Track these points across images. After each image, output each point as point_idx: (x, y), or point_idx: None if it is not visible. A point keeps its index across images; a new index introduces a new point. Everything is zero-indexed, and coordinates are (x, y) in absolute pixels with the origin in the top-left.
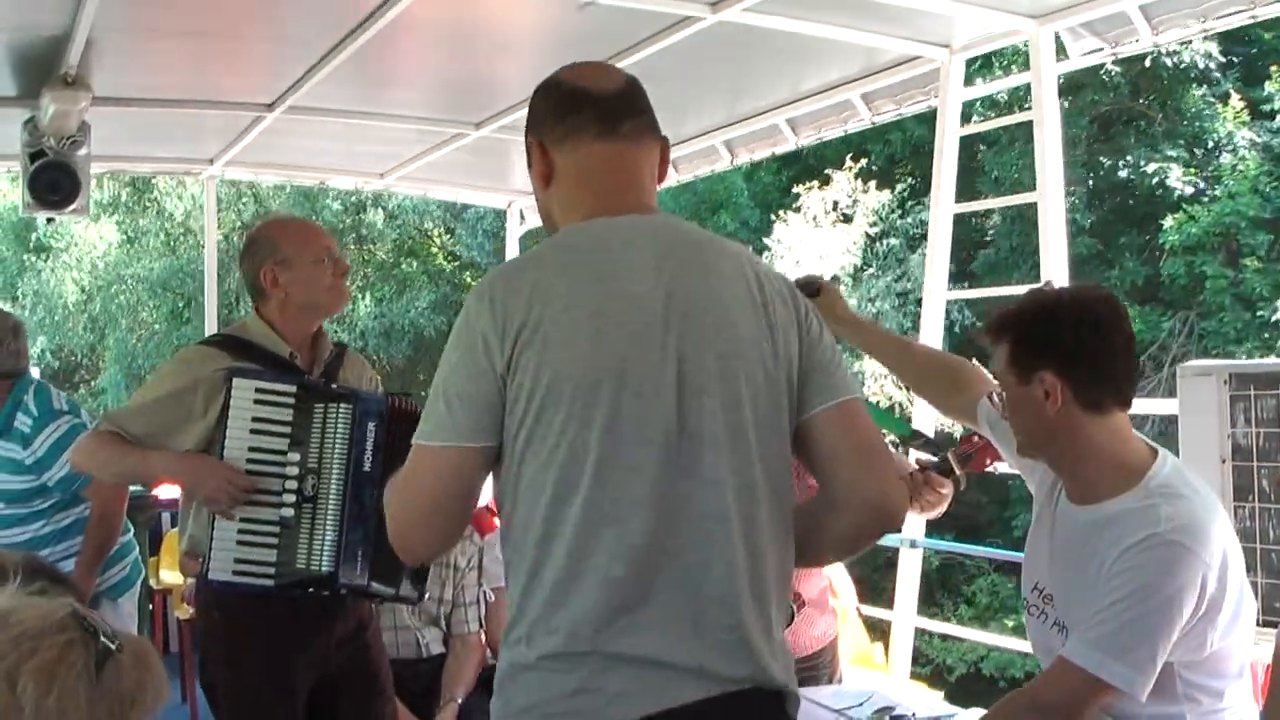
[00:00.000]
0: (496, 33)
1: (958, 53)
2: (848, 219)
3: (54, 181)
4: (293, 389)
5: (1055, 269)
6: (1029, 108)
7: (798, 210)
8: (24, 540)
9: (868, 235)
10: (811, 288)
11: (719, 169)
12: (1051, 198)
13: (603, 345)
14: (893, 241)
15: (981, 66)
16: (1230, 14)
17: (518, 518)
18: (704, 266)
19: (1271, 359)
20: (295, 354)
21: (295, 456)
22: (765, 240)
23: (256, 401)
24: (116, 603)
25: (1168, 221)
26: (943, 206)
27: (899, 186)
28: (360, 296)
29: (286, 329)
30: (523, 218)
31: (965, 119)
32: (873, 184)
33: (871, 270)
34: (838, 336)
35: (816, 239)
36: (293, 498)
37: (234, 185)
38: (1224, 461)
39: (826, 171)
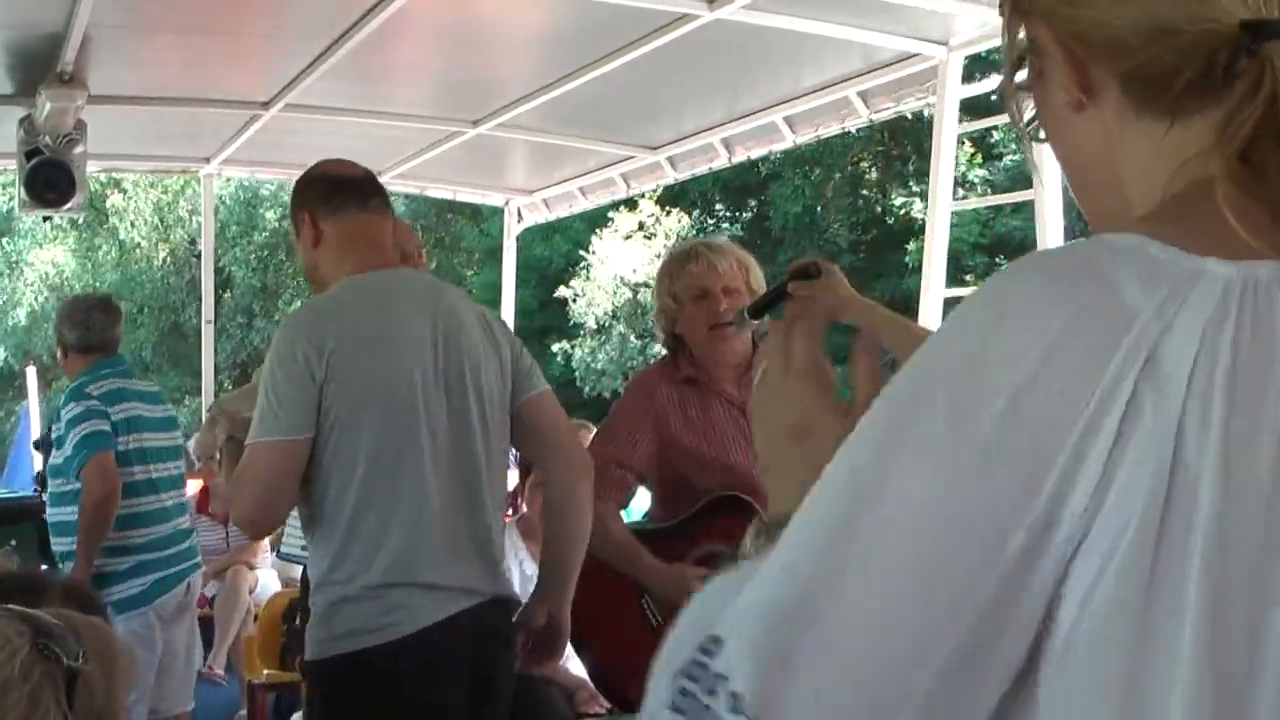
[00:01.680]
0: (494, 30)
1: (956, 50)
2: (650, 236)
3: (50, 180)
4: None
5: None
6: None
7: (613, 230)
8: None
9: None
10: (814, 269)
11: (716, 166)
12: (1050, 195)
13: (392, 363)
14: None
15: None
16: None
17: (332, 490)
18: (451, 305)
19: None
20: None
21: None
22: (582, 253)
23: None
24: (116, 619)
25: (910, 245)
26: (940, 204)
27: (694, 212)
28: (293, 301)
29: None
30: (520, 216)
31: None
32: (674, 209)
33: None
34: (840, 317)
35: (626, 252)
36: None
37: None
38: None
39: (632, 197)
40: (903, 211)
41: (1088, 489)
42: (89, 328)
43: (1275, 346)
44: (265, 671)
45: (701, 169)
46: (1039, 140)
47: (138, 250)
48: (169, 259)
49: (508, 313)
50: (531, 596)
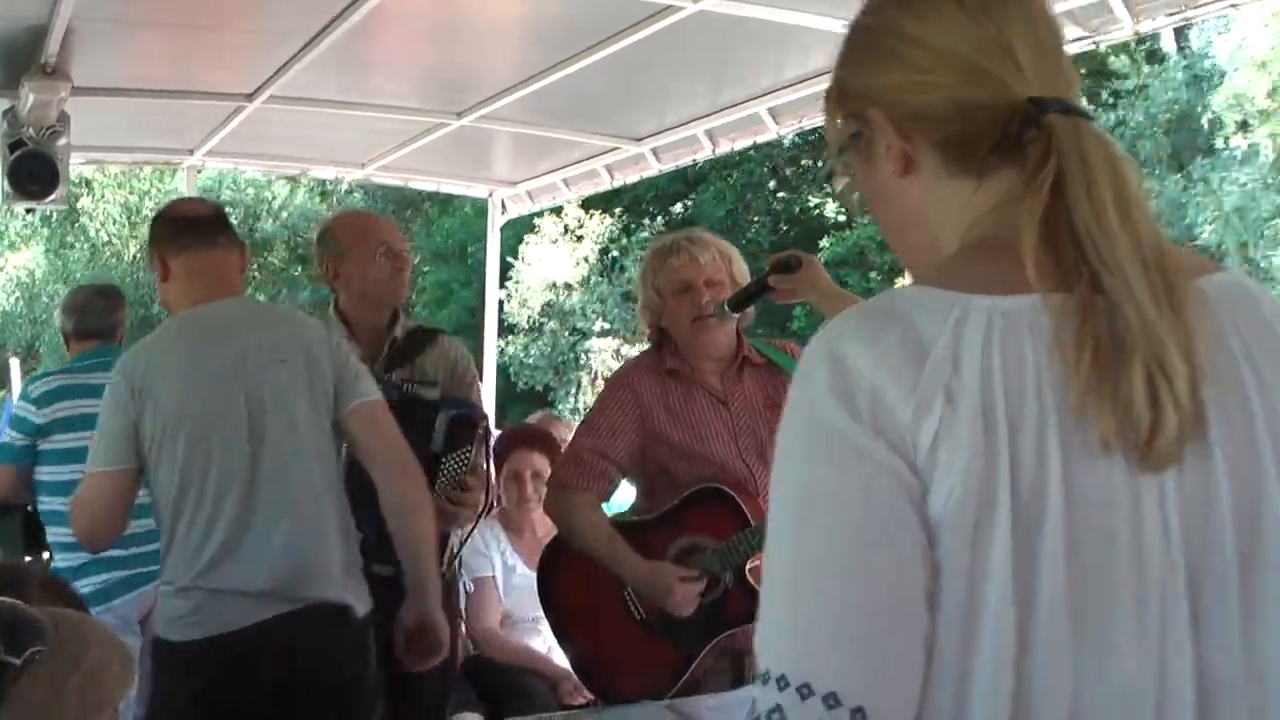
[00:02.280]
0: (478, 21)
1: None
2: (579, 239)
3: (33, 172)
4: None
5: None
6: None
7: (539, 234)
8: None
9: (596, 250)
10: (794, 263)
11: (700, 158)
12: None
13: (197, 390)
14: (615, 254)
15: None
16: (1208, 3)
17: (159, 505)
18: (268, 329)
19: None
20: (353, 340)
21: None
22: (511, 259)
23: None
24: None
25: (824, 242)
26: None
27: (622, 214)
28: (255, 293)
29: (354, 318)
30: (504, 208)
31: None
32: (595, 212)
33: (597, 277)
34: (820, 309)
35: (554, 255)
36: None
37: (148, 193)
38: None
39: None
40: (816, 212)
41: (924, 451)
42: (85, 313)
43: (1024, 356)
44: None
45: (686, 160)
46: (862, 212)
47: (108, 248)
48: (139, 255)
49: (490, 303)
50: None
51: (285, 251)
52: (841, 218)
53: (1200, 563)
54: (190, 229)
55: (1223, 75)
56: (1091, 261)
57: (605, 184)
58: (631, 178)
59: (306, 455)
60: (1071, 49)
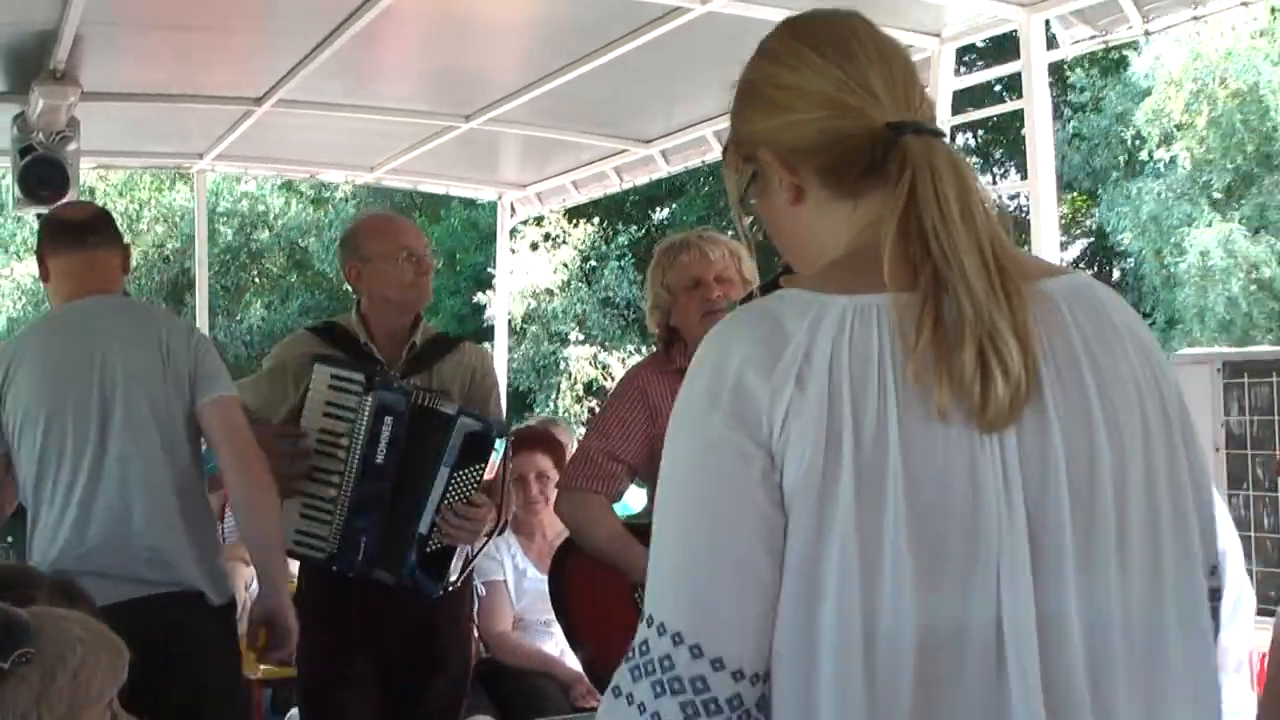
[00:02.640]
0: (486, 24)
1: (948, 42)
2: (558, 245)
3: (43, 177)
4: (361, 377)
5: (1048, 257)
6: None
7: (519, 239)
8: None
9: (577, 257)
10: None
11: (709, 160)
12: (1044, 187)
13: (50, 382)
14: (594, 263)
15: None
16: (1220, 2)
17: (22, 488)
18: (126, 325)
19: (1265, 347)
20: (369, 344)
21: (346, 441)
22: (490, 269)
23: (330, 387)
24: None
25: None
26: None
27: (600, 222)
28: (252, 301)
29: (374, 321)
30: (513, 210)
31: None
32: (579, 220)
33: (578, 283)
34: None
35: (534, 262)
36: (338, 479)
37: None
38: (1217, 450)
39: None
40: None
41: (776, 430)
42: None
43: (870, 344)
44: (261, 667)
45: (695, 162)
46: (759, 243)
47: None
48: (140, 262)
49: (501, 302)
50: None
51: (283, 259)
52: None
53: (1039, 511)
54: (65, 231)
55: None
56: (935, 255)
57: (614, 186)
58: (641, 179)
59: (154, 444)
60: (1081, 48)
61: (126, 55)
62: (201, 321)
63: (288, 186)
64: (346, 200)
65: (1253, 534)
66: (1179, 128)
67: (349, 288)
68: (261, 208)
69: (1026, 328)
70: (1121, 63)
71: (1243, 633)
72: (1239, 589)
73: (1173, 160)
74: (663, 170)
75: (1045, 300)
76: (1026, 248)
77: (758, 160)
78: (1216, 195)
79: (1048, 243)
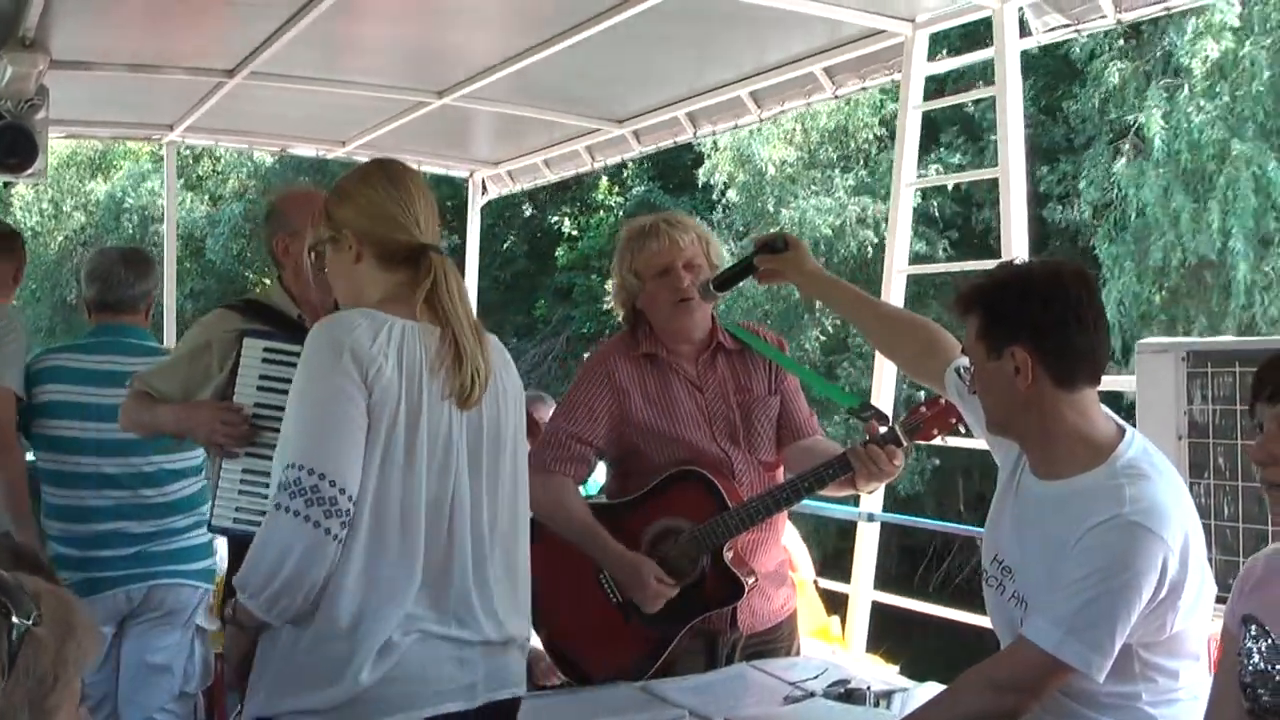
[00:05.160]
0: (461, 0)
1: (921, 27)
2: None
3: (11, 145)
4: (296, 348)
5: (1017, 245)
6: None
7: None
8: None
9: None
10: (780, 243)
11: (681, 140)
12: (1014, 173)
13: None
14: None
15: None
16: None
17: None
18: None
19: (1228, 337)
20: (304, 317)
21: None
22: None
23: (264, 360)
24: None
25: (559, 250)
26: (904, 182)
27: None
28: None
29: (302, 295)
30: (485, 188)
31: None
32: None
33: None
34: (805, 292)
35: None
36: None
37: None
38: (1180, 439)
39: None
40: (555, 227)
41: (372, 377)
42: (106, 282)
43: (415, 347)
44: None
45: (666, 143)
46: (318, 277)
47: (38, 239)
48: (64, 243)
49: (470, 284)
50: None
51: (179, 248)
52: (575, 232)
53: (475, 446)
54: None
55: None
56: (447, 314)
57: (586, 165)
58: (613, 159)
59: None
60: (1055, 35)
61: (97, 23)
62: (170, 291)
63: (188, 185)
64: (238, 197)
65: (1213, 522)
66: None
67: (248, 273)
68: (162, 202)
69: (487, 355)
70: None
71: (1203, 622)
72: (1201, 578)
73: None
74: (635, 150)
75: (490, 343)
76: (994, 234)
77: (341, 232)
78: None
79: (1016, 230)
